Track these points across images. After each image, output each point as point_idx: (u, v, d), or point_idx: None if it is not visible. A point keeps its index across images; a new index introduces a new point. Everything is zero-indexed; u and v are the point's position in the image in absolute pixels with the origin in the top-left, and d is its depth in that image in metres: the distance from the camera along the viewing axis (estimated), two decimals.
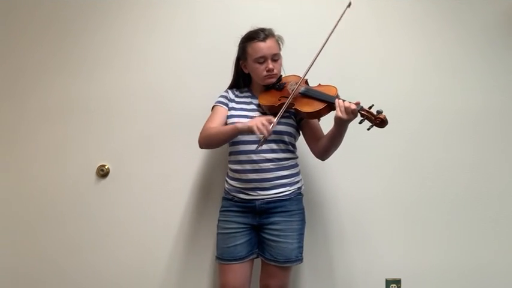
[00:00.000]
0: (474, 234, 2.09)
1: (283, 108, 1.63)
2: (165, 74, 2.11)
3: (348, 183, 2.10)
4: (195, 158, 2.09)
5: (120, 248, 2.10)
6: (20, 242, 2.11)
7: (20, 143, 2.11)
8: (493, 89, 2.10)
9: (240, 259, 1.74)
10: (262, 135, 1.55)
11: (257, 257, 1.79)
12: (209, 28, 2.11)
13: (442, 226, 2.09)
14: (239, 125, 1.64)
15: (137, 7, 2.12)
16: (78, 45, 2.12)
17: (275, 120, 1.58)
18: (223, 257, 1.75)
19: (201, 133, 1.76)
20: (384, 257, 2.09)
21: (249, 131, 1.58)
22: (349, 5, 1.68)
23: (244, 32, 1.80)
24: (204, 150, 2.03)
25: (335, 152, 1.73)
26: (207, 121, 1.79)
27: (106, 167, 2.09)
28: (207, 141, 1.75)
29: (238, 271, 1.74)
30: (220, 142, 1.75)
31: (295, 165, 1.80)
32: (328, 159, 1.78)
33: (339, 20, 1.65)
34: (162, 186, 2.10)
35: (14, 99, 2.12)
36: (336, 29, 1.65)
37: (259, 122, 1.55)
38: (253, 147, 1.67)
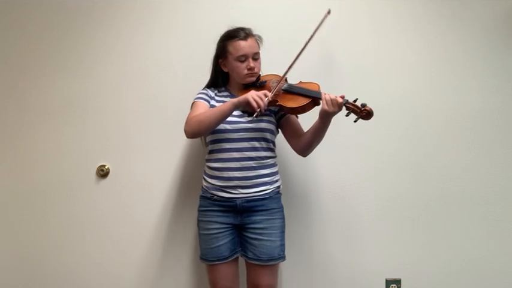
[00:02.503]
0: (474, 235, 2.09)
1: (275, 89, 1.66)
2: (164, 73, 2.11)
3: (349, 184, 2.10)
4: (196, 158, 2.09)
5: (120, 248, 2.10)
6: (20, 242, 2.11)
7: (19, 143, 2.11)
8: (493, 89, 2.10)
9: (224, 259, 1.75)
10: (258, 108, 1.57)
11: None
12: (208, 28, 2.11)
13: (442, 226, 2.09)
14: (235, 100, 1.64)
15: (136, 7, 2.11)
16: (77, 45, 2.11)
17: (270, 94, 1.62)
18: (207, 257, 1.77)
19: (187, 122, 1.70)
20: (384, 257, 2.09)
21: (246, 103, 1.60)
22: (329, 12, 1.72)
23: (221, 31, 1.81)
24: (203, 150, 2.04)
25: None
26: (189, 114, 1.74)
27: (106, 167, 2.09)
28: (197, 127, 1.67)
29: (225, 270, 1.76)
30: (213, 123, 1.66)
31: (275, 164, 1.81)
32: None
33: (319, 25, 1.70)
34: (163, 186, 2.10)
35: (14, 99, 2.11)
36: (318, 31, 1.70)
37: (255, 94, 1.59)
38: (238, 144, 1.70)
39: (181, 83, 2.10)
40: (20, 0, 2.11)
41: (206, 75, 2.09)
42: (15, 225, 2.11)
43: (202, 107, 1.75)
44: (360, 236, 2.09)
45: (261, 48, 1.80)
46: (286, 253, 1.78)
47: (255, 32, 1.80)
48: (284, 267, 2.07)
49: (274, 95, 1.68)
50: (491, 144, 2.09)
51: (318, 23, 1.70)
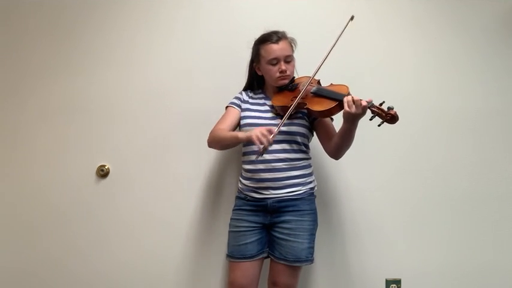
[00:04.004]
0: (474, 234, 2.09)
1: (291, 108, 1.64)
2: (165, 73, 2.11)
3: (348, 183, 2.10)
4: (195, 158, 2.09)
5: (120, 248, 2.10)
6: (20, 242, 2.11)
7: (20, 143, 2.11)
8: (493, 90, 2.10)
9: (250, 257, 1.75)
10: (262, 146, 1.56)
11: (267, 257, 1.80)
12: (210, 28, 2.11)
13: (442, 226, 2.09)
14: (240, 135, 1.69)
15: (139, 7, 2.12)
16: (79, 45, 2.12)
17: (276, 129, 1.60)
18: (233, 254, 1.77)
19: (210, 133, 1.81)
20: (384, 257, 2.09)
21: (248, 141, 1.62)
22: (351, 19, 1.70)
23: (249, 33, 1.82)
24: (202, 150, 2.03)
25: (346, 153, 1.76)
26: (218, 122, 1.83)
27: (106, 167, 2.09)
28: (213, 143, 1.81)
29: (247, 269, 1.76)
30: (223, 146, 1.83)
31: (308, 166, 1.81)
32: (335, 161, 1.80)
33: (342, 31, 1.67)
34: (162, 186, 2.10)
35: (14, 99, 2.12)
36: (340, 37, 1.67)
37: (259, 132, 1.57)
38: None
39: (183, 83, 2.10)
40: (21, 0, 2.11)
41: (208, 75, 2.10)
42: (15, 225, 2.11)
43: (230, 116, 1.82)
44: (360, 236, 2.09)
45: (295, 51, 1.80)
46: None
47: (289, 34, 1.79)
48: None
49: (304, 98, 1.67)
50: (492, 144, 2.10)
51: (341, 29, 1.67)
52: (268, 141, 1.56)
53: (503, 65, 2.10)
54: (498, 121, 2.10)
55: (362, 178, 2.10)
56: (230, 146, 1.81)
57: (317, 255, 2.08)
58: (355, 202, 2.10)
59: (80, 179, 2.10)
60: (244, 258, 1.75)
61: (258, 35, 1.82)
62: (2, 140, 2.12)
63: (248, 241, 1.75)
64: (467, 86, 2.11)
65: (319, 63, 1.67)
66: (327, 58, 1.66)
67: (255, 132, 1.58)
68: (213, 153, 2.08)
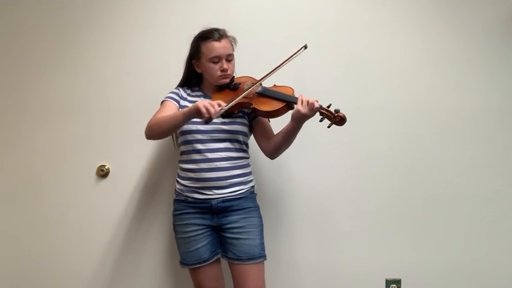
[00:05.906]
0: (473, 234, 2.09)
1: (237, 100, 1.62)
2: (165, 73, 2.10)
3: (348, 183, 2.10)
4: None
5: (119, 247, 2.10)
6: (20, 242, 2.11)
7: (20, 143, 2.11)
8: (492, 89, 2.10)
9: (205, 261, 1.73)
10: (208, 115, 1.49)
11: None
12: (207, 25, 2.11)
13: (441, 226, 2.09)
14: (185, 110, 1.58)
15: (136, 6, 2.11)
16: (77, 45, 2.11)
17: (224, 104, 1.55)
18: (187, 261, 1.74)
19: (148, 123, 1.70)
20: (384, 257, 2.09)
21: (196, 111, 1.52)
22: (305, 47, 1.72)
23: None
24: None
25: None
26: (154, 114, 1.73)
27: (106, 167, 2.09)
28: (155, 129, 1.68)
29: (208, 272, 1.75)
30: (169, 129, 1.67)
31: (248, 165, 1.80)
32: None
33: (292, 56, 1.70)
34: (163, 186, 2.09)
35: (14, 99, 2.11)
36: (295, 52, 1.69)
37: (207, 102, 1.52)
38: (210, 145, 1.69)
39: None
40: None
41: None
42: (15, 225, 2.11)
43: (169, 109, 1.73)
44: (360, 236, 2.09)
45: (235, 49, 1.80)
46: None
47: (230, 33, 1.78)
48: (280, 269, 2.07)
49: (249, 97, 1.66)
50: (490, 144, 2.09)
51: (292, 54, 1.70)
52: (215, 111, 1.50)
53: (503, 64, 2.09)
54: (496, 121, 2.09)
55: (362, 178, 2.10)
56: (177, 126, 1.65)
57: (316, 255, 2.09)
58: (355, 201, 2.10)
59: (80, 179, 2.10)
60: (199, 263, 1.72)
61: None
62: (1, 140, 2.12)
63: (200, 245, 1.72)
64: (465, 85, 2.10)
65: (269, 71, 1.69)
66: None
67: (202, 103, 1.51)
68: None
